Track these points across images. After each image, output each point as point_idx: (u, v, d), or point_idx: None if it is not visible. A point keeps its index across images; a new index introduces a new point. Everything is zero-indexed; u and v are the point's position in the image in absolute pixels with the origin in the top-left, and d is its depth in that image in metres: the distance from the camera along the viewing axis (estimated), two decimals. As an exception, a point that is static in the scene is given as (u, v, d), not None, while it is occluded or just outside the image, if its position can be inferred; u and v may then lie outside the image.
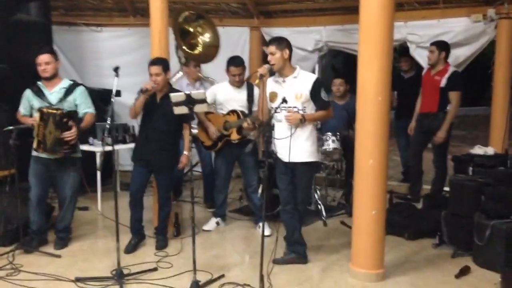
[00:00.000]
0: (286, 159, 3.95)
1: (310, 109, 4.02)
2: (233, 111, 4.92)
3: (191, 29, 5.70)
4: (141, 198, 4.57)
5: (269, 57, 4.00)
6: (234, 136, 4.90)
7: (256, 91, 4.97)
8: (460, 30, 5.77)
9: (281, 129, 3.99)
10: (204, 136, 5.11)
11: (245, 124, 4.53)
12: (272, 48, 3.96)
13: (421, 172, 6.09)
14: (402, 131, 6.43)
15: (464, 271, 4.00)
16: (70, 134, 4.27)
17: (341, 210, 5.70)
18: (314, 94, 3.96)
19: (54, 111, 4.24)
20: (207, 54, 5.72)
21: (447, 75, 5.45)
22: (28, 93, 4.45)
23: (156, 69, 4.32)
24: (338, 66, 15.35)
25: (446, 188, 5.29)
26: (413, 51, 6.14)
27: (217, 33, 5.70)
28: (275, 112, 3.95)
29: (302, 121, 3.90)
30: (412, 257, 4.40)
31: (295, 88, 3.99)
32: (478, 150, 5.18)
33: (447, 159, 5.75)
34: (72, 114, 4.34)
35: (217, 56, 5.66)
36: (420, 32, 5.99)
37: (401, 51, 7.54)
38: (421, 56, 5.81)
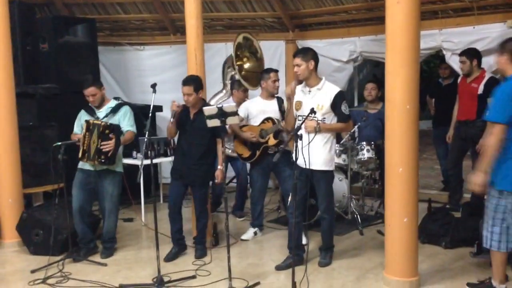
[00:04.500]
0: (302, 165, 4.02)
1: (330, 121, 4.21)
2: (267, 119, 5.05)
3: (239, 53, 5.87)
4: (179, 210, 4.74)
5: (295, 69, 4.16)
6: (272, 142, 5.00)
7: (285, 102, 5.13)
8: (495, 36, 5.65)
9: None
10: (241, 148, 5.23)
11: (283, 124, 4.62)
12: (297, 60, 4.14)
13: (461, 180, 6.00)
14: (440, 139, 6.37)
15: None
16: (107, 144, 4.48)
17: (378, 219, 5.69)
18: (335, 106, 4.15)
19: (99, 122, 4.52)
20: (247, 78, 5.88)
21: (484, 82, 5.40)
22: (81, 112, 4.78)
23: (187, 89, 4.51)
24: (380, 75, 15.25)
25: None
26: (448, 58, 6.09)
27: (257, 73, 5.75)
28: (298, 120, 4.17)
29: (317, 129, 4.06)
30: (448, 266, 4.37)
31: (317, 99, 4.18)
32: (517, 156, 5.07)
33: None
34: (114, 128, 4.57)
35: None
36: (455, 39, 5.93)
37: (442, 58, 7.47)
38: (457, 63, 5.75)
